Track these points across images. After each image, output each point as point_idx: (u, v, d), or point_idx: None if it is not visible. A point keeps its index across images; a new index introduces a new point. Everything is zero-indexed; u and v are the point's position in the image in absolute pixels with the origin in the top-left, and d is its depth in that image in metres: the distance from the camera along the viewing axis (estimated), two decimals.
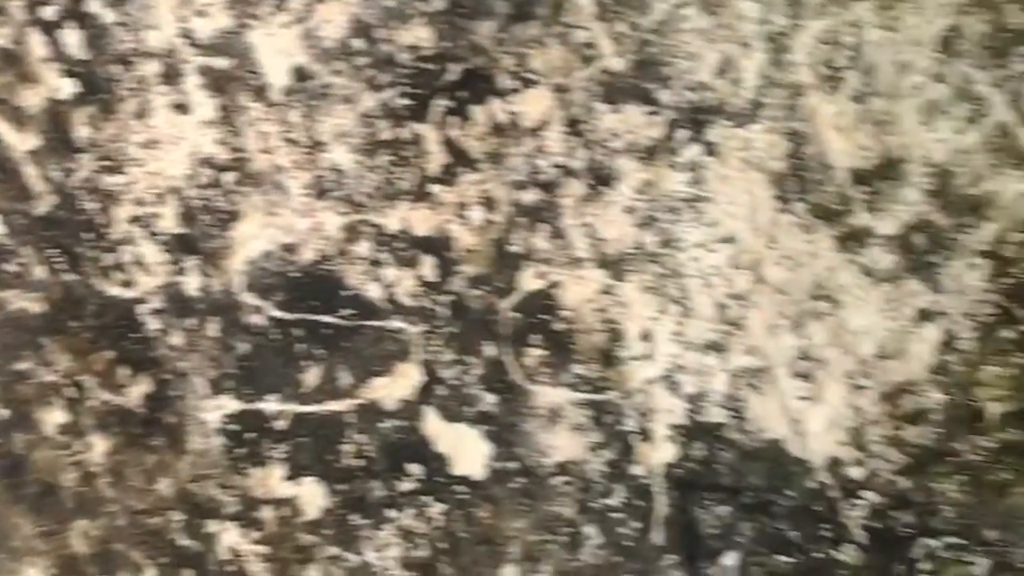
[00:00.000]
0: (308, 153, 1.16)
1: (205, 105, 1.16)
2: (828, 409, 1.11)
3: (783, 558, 1.13)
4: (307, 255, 1.17)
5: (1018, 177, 1.05)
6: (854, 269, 1.10)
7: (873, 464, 1.11)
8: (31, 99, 1.17)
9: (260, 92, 1.16)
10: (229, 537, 1.21)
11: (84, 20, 1.17)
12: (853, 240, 1.10)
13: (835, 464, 1.12)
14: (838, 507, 1.12)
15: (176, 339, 1.19)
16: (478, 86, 1.14)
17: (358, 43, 1.15)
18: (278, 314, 1.18)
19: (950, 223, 1.08)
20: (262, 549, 1.20)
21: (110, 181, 1.18)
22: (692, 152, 1.12)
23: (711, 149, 1.11)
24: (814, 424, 1.12)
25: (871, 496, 1.12)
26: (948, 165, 1.07)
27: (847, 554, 1.12)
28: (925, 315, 1.09)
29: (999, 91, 1.05)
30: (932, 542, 1.10)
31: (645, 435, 1.15)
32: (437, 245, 1.16)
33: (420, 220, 1.16)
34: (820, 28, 1.07)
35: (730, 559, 1.15)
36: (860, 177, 1.09)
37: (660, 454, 1.15)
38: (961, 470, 1.09)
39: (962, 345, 1.09)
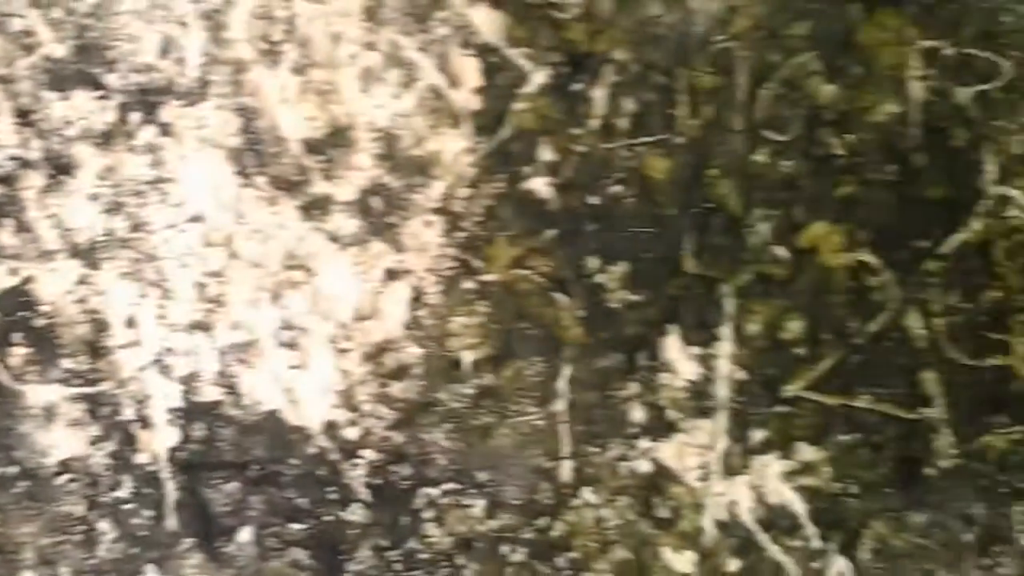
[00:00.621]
0: None
1: None
2: (317, 375, 1.18)
3: (296, 526, 1.20)
4: None
5: (455, 135, 1.14)
6: (321, 236, 1.16)
7: (366, 423, 1.19)
8: None
9: None
10: None
11: None
12: (316, 208, 1.16)
13: (331, 427, 1.19)
14: (340, 469, 1.19)
15: None
16: None
17: None
18: None
19: (402, 184, 1.16)
20: None
21: None
22: (148, 134, 1.15)
23: (166, 130, 1.15)
24: (306, 391, 1.18)
25: (369, 454, 1.19)
26: (391, 129, 1.14)
27: (355, 513, 1.19)
28: (392, 274, 1.17)
29: (426, 55, 1.13)
30: (432, 491, 1.19)
31: (144, 422, 1.19)
32: None
33: None
34: (253, 3, 1.13)
35: (245, 534, 1.20)
36: (313, 147, 1.15)
37: (162, 439, 1.19)
38: (447, 419, 1.18)
39: (430, 300, 1.17)
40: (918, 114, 1.09)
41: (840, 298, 1.12)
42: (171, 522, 1.20)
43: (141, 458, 1.19)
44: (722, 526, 1.15)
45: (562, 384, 1.16)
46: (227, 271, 1.17)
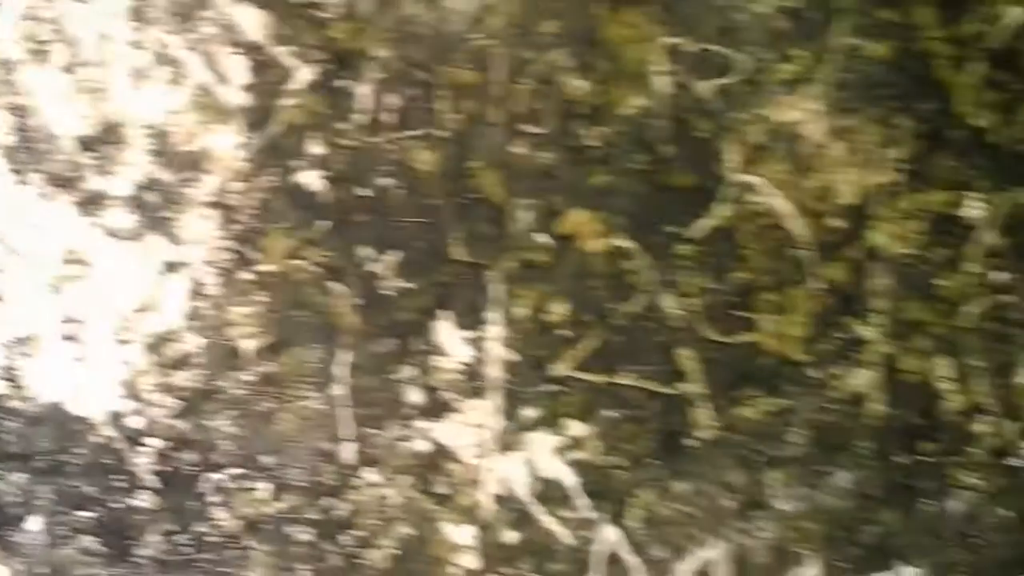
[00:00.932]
0: None
1: None
2: (99, 366, 1.23)
3: (84, 513, 1.25)
4: None
5: (226, 131, 1.21)
6: (98, 231, 1.22)
7: (151, 412, 1.25)
8: None
9: None
10: None
11: None
12: (92, 204, 1.22)
13: (116, 417, 1.24)
14: (126, 457, 1.25)
15: None
16: None
17: None
18: None
19: (176, 179, 1.22)
20: None
21: None
22: None
23: None
24: (89, 382, 1.24)
25: (154, 442, 1.25)
26: (163, 126, 1.20)
27: (143, 499, 1.25)
28: (171, 267, 1.23)
29: (193, 54, 1.19)
30: (217, 476, 1.25)
31: None
32: None
33: None
34: (20, 5, 1.18)
35: (34, 523, 1.25)
36: (86, 144, 1.21)
37: None
38: (230, 405, 1.24)
39: (209, 291, 1.23)
40: (664, 107, 1.19)
41: (600, 282, 1.21)
42: None
43: None
44: (499, 500, 1.23)
45: (340, 369, 1.23)
46: (5, 266, 1.22)
